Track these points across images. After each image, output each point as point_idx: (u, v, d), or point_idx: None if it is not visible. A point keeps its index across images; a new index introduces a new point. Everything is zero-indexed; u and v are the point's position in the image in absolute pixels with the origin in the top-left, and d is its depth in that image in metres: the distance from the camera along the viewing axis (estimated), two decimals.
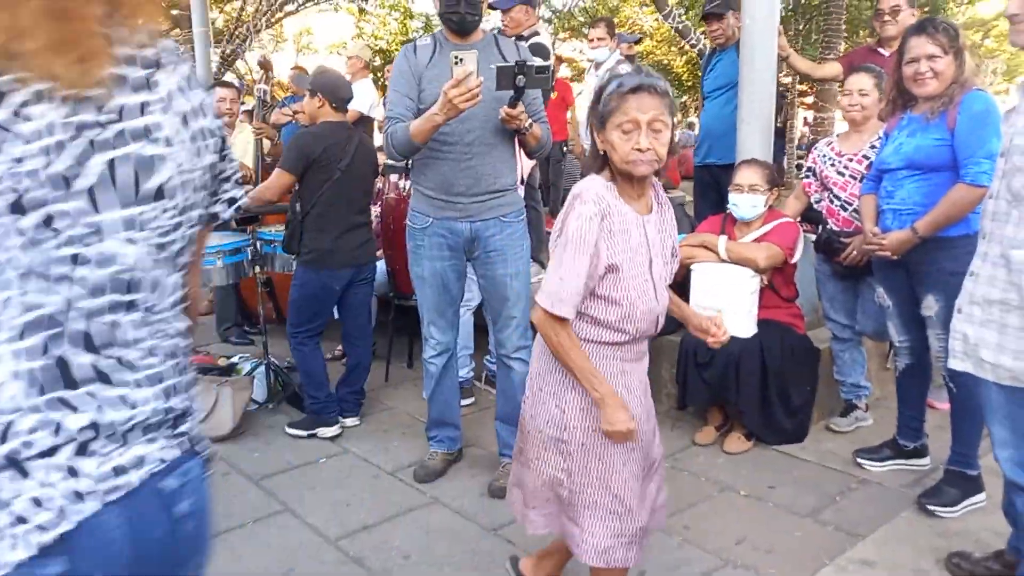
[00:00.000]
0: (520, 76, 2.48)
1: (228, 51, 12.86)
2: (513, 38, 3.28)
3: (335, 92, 3.43)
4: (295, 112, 5.33)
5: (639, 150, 1.70)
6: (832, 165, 3.37)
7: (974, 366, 1.96)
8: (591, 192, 1.75)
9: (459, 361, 3.85)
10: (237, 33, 13.13)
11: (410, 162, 2.96)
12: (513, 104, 2.59)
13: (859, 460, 3.12)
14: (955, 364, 2.02)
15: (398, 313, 4.36)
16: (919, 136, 2.63)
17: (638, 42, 6.45)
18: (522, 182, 2.94)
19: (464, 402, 3.82)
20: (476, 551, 2.58)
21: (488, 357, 4.02)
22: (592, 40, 5.31)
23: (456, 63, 2.46)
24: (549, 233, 1.89)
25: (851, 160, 3.30)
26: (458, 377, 3.75)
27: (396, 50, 17.77)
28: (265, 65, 4.59)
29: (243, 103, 5.39)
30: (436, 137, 2.69)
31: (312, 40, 21.35)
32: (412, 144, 2.66)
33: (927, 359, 2.87)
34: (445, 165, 2.78)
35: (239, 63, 13.82)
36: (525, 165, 3.66)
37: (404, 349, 4.53)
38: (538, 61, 2.67)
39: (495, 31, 3.00)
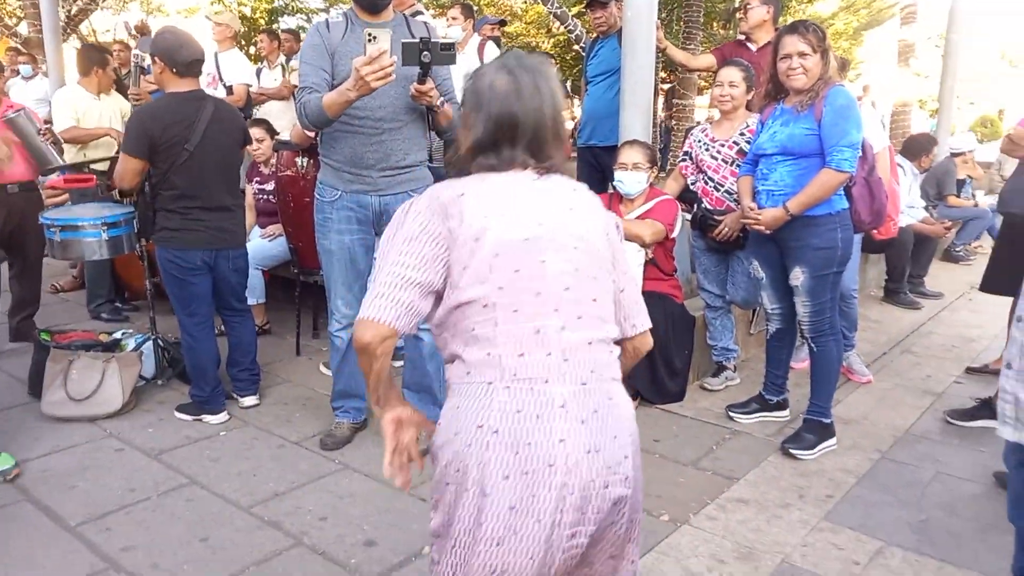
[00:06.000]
0: (425, 52, 2.51)
1: (73, 11, 11.87)
2: (415, 17, 3.32)
3: (173, 55, 3.04)
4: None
5: None
6: (707, 150, 3.69)
7: None
8: None
9: None
10: None
11: (319, 136, 2.97)
12: (422, 80, 2.63)
13: (731, 414, 3.48)
14: (1005, 433, 1.66)
15: (304, 288, 4.34)
16: (791, 126, 2.96)
17: (502, 24, 6.62)
18: (430, 160, 3.02)
19: None
20: (391, 510, 2.69)
21: None
22: (448, 20, 5.45)
23: (370, 40, 2.48)
24: None
25: (723, 146, 3.63)
26: None
27: (260, 19, 16.99)
28: (142, 29, 4.37)
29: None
30: (347, 112, 2.72)
31: (163, 2, 19.98)
32: (325, 116, 2.69)
33: (795, 325, 3.24)
34: (355, 139, 2.82)
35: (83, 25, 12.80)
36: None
37: (308, 323, 4.51)
38: (444, 39, 2.75)
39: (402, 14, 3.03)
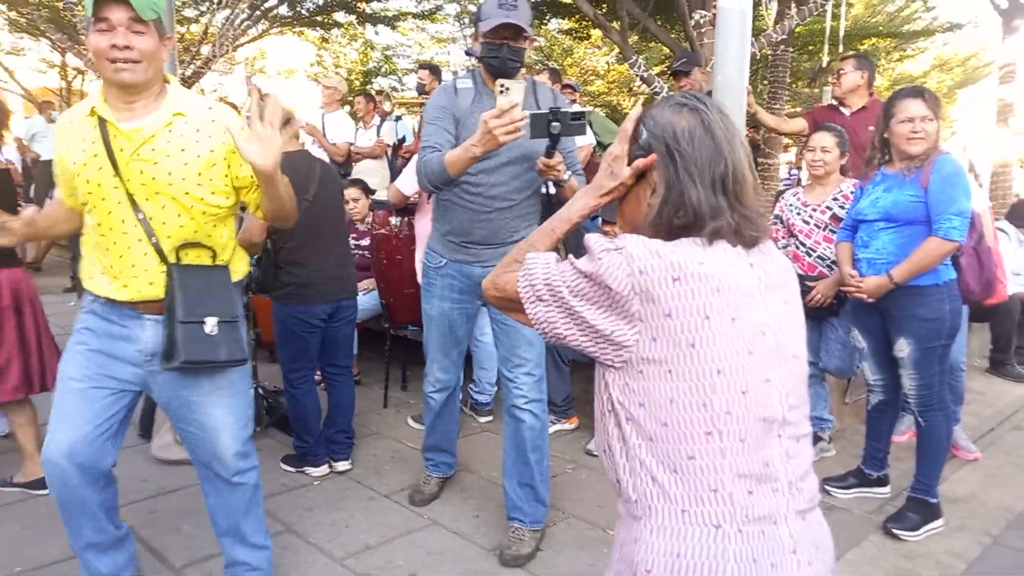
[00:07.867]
0: (555, 123, 2.27)
1: (188, 72, 12.75)
2: (546, 86, 3.20)
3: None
4: None
5: None
6: (798, 214, 3.66)
7: None
8: None
9: None
10: (197, 56, 13.05)
11: (431, 200, 3.00)
12: (550, 153, 2.45)
13: (827, 488, 3.36)
14: None
15: (394, 342, 4.47)
16: (895, 191, 2.91)
17: (572, 89, 6.40)
18: None
19: None
20: (479, 571, 2.70)
21: (472, 384, 4.15)
22: None
23: (502, 91, 2.29)
24: None
25: (815, 210, 3.59)
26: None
27: (356, 80, 17.88)
28: (252, 93, 4.67)
29: None
30: (461, 184, 2.63)
31: (265, 64, 21.27)
32: (446, 174, 2.50)
33: (898, 396, 3.13)
34: (464, 213, 2.73)
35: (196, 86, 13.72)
36: None
37: (397, 374, 4.63)
38: (573, 107, 2.47)
39: (530, 78, 2.93)
